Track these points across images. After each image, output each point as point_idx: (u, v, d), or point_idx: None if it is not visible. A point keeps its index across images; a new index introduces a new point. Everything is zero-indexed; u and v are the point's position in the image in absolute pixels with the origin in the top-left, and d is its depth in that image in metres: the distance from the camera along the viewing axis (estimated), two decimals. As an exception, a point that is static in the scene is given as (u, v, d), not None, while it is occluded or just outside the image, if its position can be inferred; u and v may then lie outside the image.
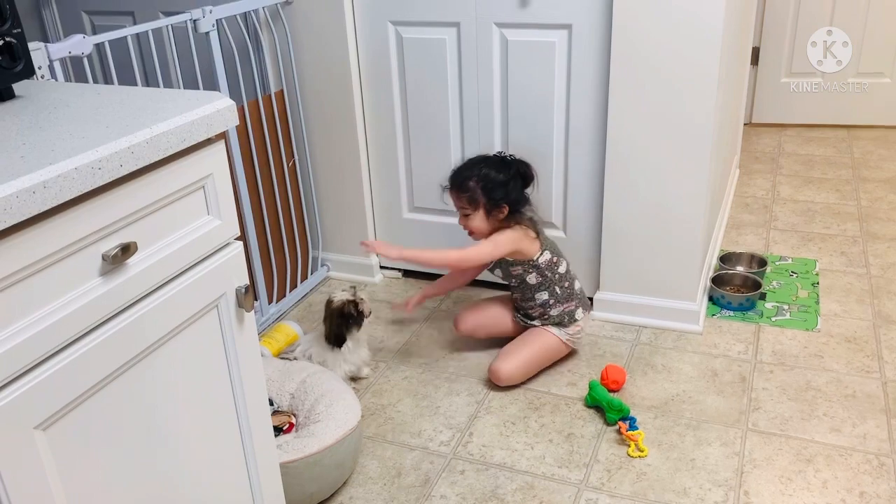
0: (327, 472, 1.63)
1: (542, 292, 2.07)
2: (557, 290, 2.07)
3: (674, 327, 2.24)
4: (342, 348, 2.00)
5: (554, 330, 2.08)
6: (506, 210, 2.00)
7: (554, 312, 2.07)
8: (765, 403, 1.92)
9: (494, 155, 2.08)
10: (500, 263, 2.09)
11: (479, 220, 2.01)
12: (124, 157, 0.90)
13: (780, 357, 2.10)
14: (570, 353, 2.15)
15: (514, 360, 2.02)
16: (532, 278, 2.07)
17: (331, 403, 1.73)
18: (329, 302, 2.04)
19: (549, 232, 2.34)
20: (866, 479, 1.67)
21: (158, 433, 1.04)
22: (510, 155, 2.07)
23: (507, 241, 2.01)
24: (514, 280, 2.10)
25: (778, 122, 4.02)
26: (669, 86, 2.00)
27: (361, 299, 2.03)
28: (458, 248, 2.04)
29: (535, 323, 2.11)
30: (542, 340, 2.07)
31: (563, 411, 1.93)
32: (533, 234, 2.04)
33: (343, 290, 2.04)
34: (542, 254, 2.05)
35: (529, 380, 2.06)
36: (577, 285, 2.11)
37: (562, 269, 2.08)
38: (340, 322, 2.00)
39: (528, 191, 2.06)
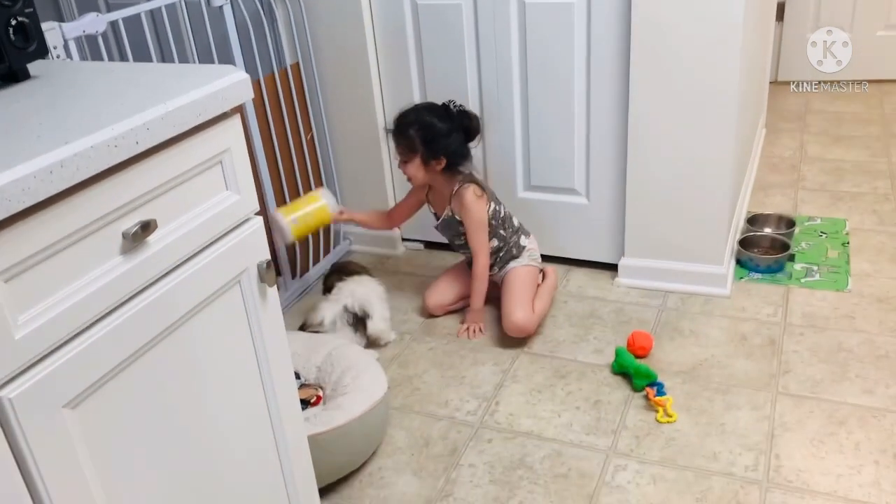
0: (356, 443, 1.64)
1: (493, 240, 2.12)
2: (502, 232, 2.14)
3: (701, 291, 2.21)
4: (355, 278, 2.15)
5: (514, 264, 2.15)
6: (443, 162, 2.03)
7: (503, 253, 2.14)
8: (795, 366, 1.90)
9: (442, 104, 2.07)
10: (450, 224, 2.14)
11: (415, 167, 2.05)
12: (140, 134, 0.89)
13: (810, 319, 2.07)
14: (550, 274, 2.23)
15: (520, 307, 2.05)
16: (495, 242, 2.13)
17: (357, 375, 1.74)
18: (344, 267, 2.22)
19: (570, 198, 2.31)
20: (900, 440, 1.65)
21: (185, 409, 1.05)
22: (458, 105, 2.06)
23: (478, 207, 2.07)
24: (463, 238, 2.14)
25: (804, 79, 3.92)
26: (692, 46, 1.94)
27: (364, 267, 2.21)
28: (474, 263, 2.12)
29: (494, 270, 2.16)
30: (520, 278, 2.13)
31: (589, 378, 1.92)
32: (479, 191, 2.08)
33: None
34: (488, 205, 2.10)
35: (555, 346, 2.05)
36: (515, 221, 2.18)
37: (502, 213, 2.14)
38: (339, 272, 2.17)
39: (472, 144, 2.08)
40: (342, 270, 2.21)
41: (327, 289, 2.17)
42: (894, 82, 3.78)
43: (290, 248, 2.36)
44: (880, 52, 3.75)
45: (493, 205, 2.12)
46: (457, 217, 2.10)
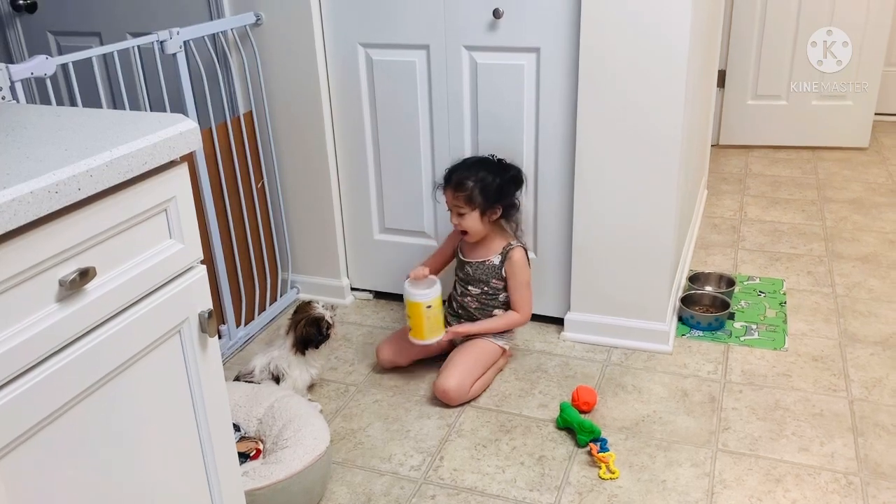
0: (295, 499, 1.60)
1: (500, 309, 2.15)
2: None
3: (644, 347, 2.25)
4: (305, 354, 2.03)
5: (490, 337, 2.14)
6: (499, 212, 2.08)
7: None
8: (734, 423, 1.93)
9: (489, 157, 2.13)
10: (488, 270, 2.12)
11: (473, 220, 2.07)
12: (82, 181, 0.88)
13: (748, 377, 2.12)
14: (506, 356, 2.21)
15: (456, 374, 2.02)
16: (504, 296, 2.14)
17: (299, 429, 1.71)
18: (307, 305, 2.06)
19: (519, 253, 2.34)
20: (835, 497, 1.68)
21: (119, 462, 1.01)
22: (501, 159, 2.13)
23: (527, 270, 2.13)
24: (485, 288, 2.13)
25: (744, 143, 4.09)
26: (637, 107, 2.02)
27: (333, 322, 2.05)
28: (512, 314, 2.14)
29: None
30: (478, 348, 2.11)
31: (534, 433, 1.92)
32: (527, 258, 2.13)
33: (323, 306, 2.07)
34: None
35: (501, 400, 2.05)
36: None
37: None
38: (312, 331, 2.01)
39: (518, 194, 2.14)
40: (301, 310, 2.10)
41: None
42: (828, 149, 3.97)
43: (236, 297, 2.33)
44: (814, 121, 3.95)
45: None
46: (502, 271, 2.11)
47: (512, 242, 2.12)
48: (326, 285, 2.59)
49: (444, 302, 2.24)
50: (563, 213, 2.23)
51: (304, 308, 2.07)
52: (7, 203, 0.79)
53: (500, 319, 2.13)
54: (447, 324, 2.17)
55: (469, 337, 2.14)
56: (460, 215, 2.07)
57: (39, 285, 0.87)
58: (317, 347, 2.04)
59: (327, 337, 2.04)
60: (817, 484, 1.72)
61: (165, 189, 1.03)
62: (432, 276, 2.09)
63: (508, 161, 2.13)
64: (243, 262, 2.35)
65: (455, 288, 2.22)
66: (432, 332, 2.06)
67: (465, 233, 2.10)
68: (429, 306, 2.02)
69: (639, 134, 2.04)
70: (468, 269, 2.15)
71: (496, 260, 2.11)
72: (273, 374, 1.99)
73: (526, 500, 1.71)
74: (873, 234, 2.99)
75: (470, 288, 2.15)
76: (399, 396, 2.09)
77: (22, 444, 0.86)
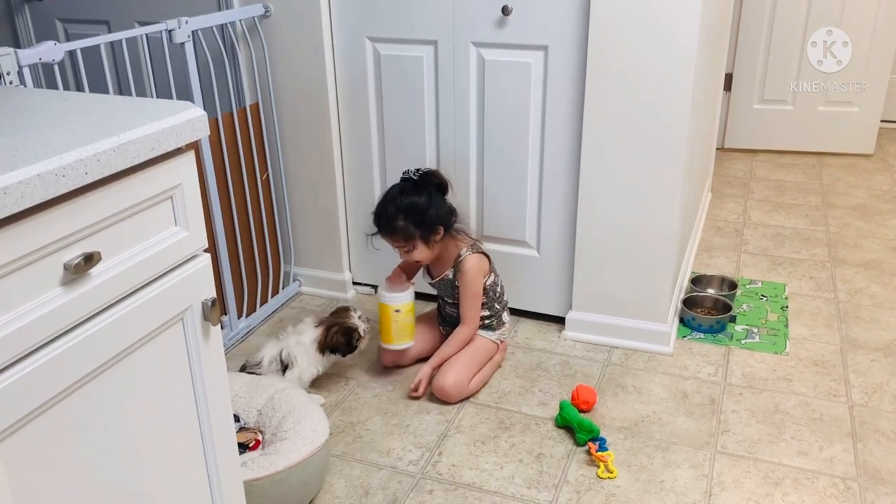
0: (293, 491, 1.60)
1: (483, 310, 2.13)
2: (497, 306, 2.16)
3: (645, 348, 2.24)
4: (324, 355, 2.04)
5: (483, 333, 2.14)
6: (441, 231, 2.03)
7: (486, 322, 2.14)
8: (734, 426, 1.93)
9: (403, 181, 2.04)
10: (448, 285, 2.12)
11: (420, 251, 2.03)
12: (90, 165, 0.88)
13: (749, 380, 2.11)
14: (501, 350, 2.20)
15: (453, 372, 2.02)
16: (482, 300, 2.13)
17: (298, 421, 1.71)
18: (345, 312, 2.08)
19: (522, 251, 2.34)
20: (833, 502, 1.68)
21: (118, 448, 1.01)
22: (416, 171, 2.03)
23: (477, 280, 2.07)
24: (455, 301, 2.14)
25: (750, 147, 4.08)
26: (644, 108, 2.01)
27: (364, 335, 2.07)
28: (460, 329, 2.10)
29: None
30: (472, 345, 2.10)
31: (533, 431, 1.92)
32: (484, 263, 2.09)
33: (360, 316, 2.08)
34: (488, 277, 2.12)
35: (501, 397, 2.05)
36: (505, 295, 2.21)
37: (498, 286, 2.17)
38: (342, 340, 2.03)
39: (447, 198, 2.07)
40: (338, 314, 2.11)
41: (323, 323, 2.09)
42: (833, 155, 3.96)
43: (238, 288, 2.33)
44: (820, 126, 3.94)
45: (493, 276, 2.13)
46: (456, 281, 2.09)
47: (462, 252, 2.07)
48: (328, 279, 2.59)
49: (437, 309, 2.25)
50: (568, 213, 2.23)
51: (341, 313, 2.08)
52: (14, 185, 0.79)
53: (452, 343, 2.08)
54: (444, 330, 2.19)
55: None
56: (407, 252, 2.03)
57: (44, 269, 0.87)
58: (343, 356, 2.05)
59: (355, 348, 2.06)
60: (815, 488, 1.72)
61: (172, 176, 1.03)
62: (408, 283, 2.06)
63: (424, 169, 2.03)
64: (246, 253, 2.35)
65: (438, 299, 2.24)
66: (400, 338, 2.06)
67: (417, 262, 2.08)
68: (397, 310, 2.02)
69: (645, 134, 2.04)
70: (434, 284, 2.17)
71: (450, 274, 2.10)
72: (283, 363, 1.99)
73: (524, 497, 1.71)
74: (876, 240, 2.99)
75: (446, 299, 2.18)
76: (399, 391, 2.09)
77: (22, 427, 0.86)
